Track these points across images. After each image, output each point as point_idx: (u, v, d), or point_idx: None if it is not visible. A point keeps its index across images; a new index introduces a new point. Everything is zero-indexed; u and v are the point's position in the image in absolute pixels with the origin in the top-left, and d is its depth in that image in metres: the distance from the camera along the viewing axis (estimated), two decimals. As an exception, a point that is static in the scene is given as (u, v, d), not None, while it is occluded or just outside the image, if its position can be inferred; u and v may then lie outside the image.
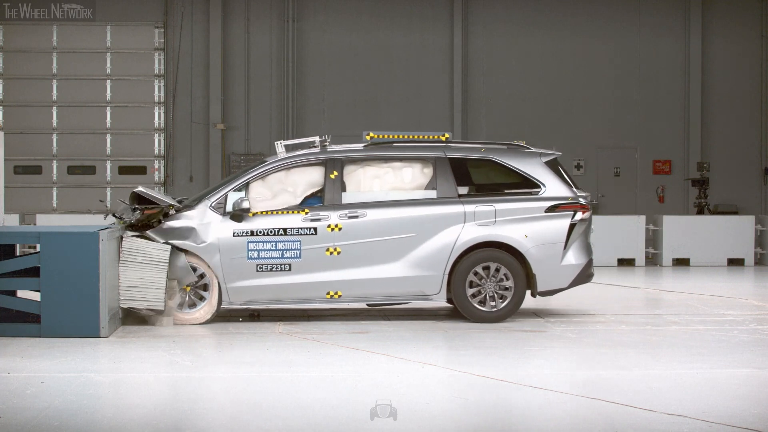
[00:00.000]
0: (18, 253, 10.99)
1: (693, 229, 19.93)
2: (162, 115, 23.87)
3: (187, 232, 10.93)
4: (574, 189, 11.62)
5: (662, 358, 9.10)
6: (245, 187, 11.19)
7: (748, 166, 24.78)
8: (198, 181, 23.54)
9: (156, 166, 23.94)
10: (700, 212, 22.39)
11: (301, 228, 11.02)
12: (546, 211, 11.37)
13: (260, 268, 10.97)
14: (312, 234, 11.03)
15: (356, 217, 11.10)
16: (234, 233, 10.95)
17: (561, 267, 11.40)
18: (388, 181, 11.41)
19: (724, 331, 10.69)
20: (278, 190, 11.26)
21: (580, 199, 11.53)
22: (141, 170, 23.87)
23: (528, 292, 11.48)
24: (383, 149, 11.54)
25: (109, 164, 23.81)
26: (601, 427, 6.61)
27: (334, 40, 24.19)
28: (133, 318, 11.00)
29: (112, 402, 7.47)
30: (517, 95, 24.52)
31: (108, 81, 23.74)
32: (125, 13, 23.78)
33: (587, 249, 11.71)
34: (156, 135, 23.94)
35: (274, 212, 11.07)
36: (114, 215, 11.60)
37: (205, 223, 10.98)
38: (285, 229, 10.99)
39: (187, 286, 10.93)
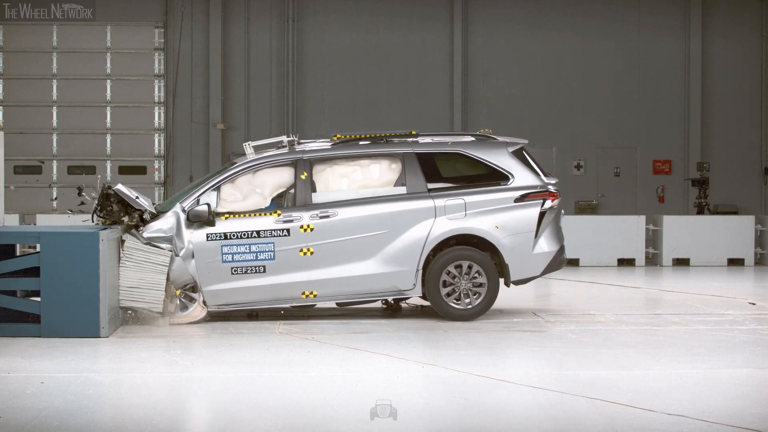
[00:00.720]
0: (18, 253, 10.99)
1: (693, 229, 19.92)
2: (162, 115, 23.87)
3: (164, 239, 10.95)
4: (543, 177, 11.70)
5: (662, 358, 9.10)
6: (216, 190, 11.20)
7: (748, 166, 24.77)
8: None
9: (156, 166, 23.94)
10: (700, 212, 22.39)
11: (274, 230, 11.07)
12: (515, 201, 11.46)
13: (235, 270, 11.00)
14: (285, 235, 11.07)
15: (327, 216, 11.17)
16: (208, 237, 10.98)
17: (533, 255, 11.46)
18: (357, 179, 11.47)
19: (724, 331, 10.69)
20: (248, 192, 11.28)
21: (549, 187, 11.61)
22: (141, 170, 23.87)
23: (501, 282, 11.60)
24: (351, 147, 11.58)
25: (109, 164, 23.80)
26: (601, 427, 6.61)
27: (334, 40, 24.19)
28: (135, 318, 11.00)
29: (112, 402, 7.47)
30: (517, 95, 24.51)
31: (108, 81, 23.74)
32: (125, 13, 23.77)
33: (558, 236, 11.73)
34: (156, 135, 23.94)
35: (246, 215, 11.10)
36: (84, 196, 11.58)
37: (179, 228, 10.97)
38: (258, 232, 11.04)
39: (177, 288, 10.99)
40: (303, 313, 12.00)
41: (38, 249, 10.17)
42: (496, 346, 9.80)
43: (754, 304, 11.61)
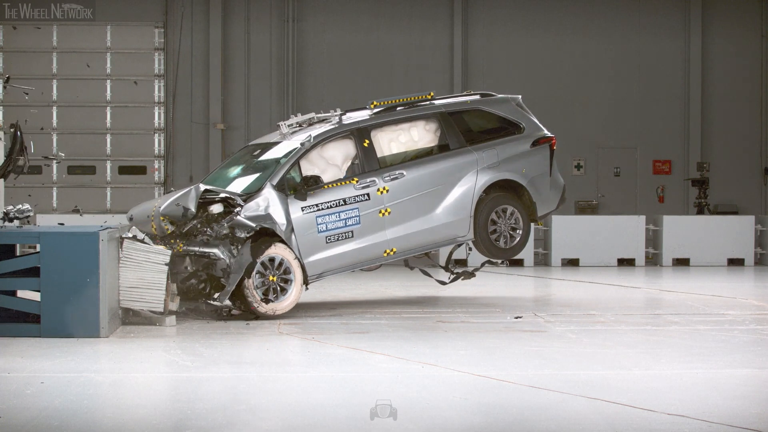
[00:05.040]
0: (18, 253, 10.99)
1: (693, 229, 19.93)
2: (162, 115, 23.87)
3: (265, 218, 11.37)
4: (539, 124, 13.23)
5: (662, 358, 9.10)
6: (296, 165, 11.71)
7: (748, 166, 24.77)
8: (198, 181, 23.52)
9: (156, 166, 23.93)
10: (700, 212, 22.39)
11: (357, 195, 11.84)
12: (531, 146, 12.94)
13: (329, 239, 11.70)
14: (366, 200, 11.87)
15: (397, 178, 12.04)
16: (303, 210, 11.57)
17: (550, 192, 13.02)
18: (408, 141, 12.35)
19: (724, 331, 10.69)
20: (324, 164, 11.87)
21: (547, 133, 13.25)
22: (141, 170, 23.86)
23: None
24: (392, 112, 12.40)
25: (109, 164, 23.80)
26: (601, 427, 6.61)
27: (334, 40, 24.18)
28: (135, 318, 10.98)
29: (112, 402, 7.47)
30: (516, 95, 24.46)
31: (108, 81, 23.74)
32: (125, 13, 23.76)
33: (559, 176, 13.26)
34: (156, 135, 23.94)
35: (328, 185, 11.75)
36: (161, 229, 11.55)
37: (275, 206, 11.45)
38: (344, 199, 11.76)
39: (273, 276, 11.32)
40: (303, 313, 12.00)
41: (38, 249, 10.17)
42: (496, 346, 9.80)
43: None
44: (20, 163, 11.06)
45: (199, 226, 11.30)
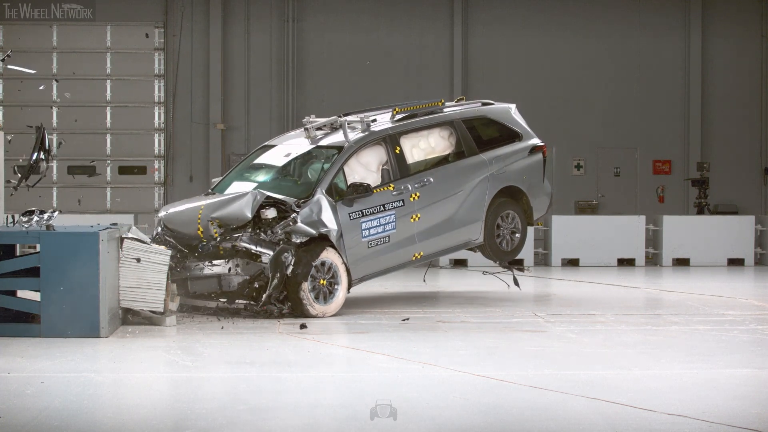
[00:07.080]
0: (18, 253, 10.99)
1: (693, 229, 19.92)
2: (162, 115, 23.86)
3: (318, 224, 11.47)
4: (532, 132, 13.67)
5: (662, 358, 9.10)
6: (341, 172, 11.87)
7: (748, 166, 24.76)
8: (198, 181, 23.53)
9: (156, 166, 23.93)
10: (700, 212, 22.39)
11: (394, 201, 12.05)
12: (528, 154, 13.38)
13: (371, 244, 11.92)
14: (401, 205, 12.14)
15: (425, 184, 12.34)
16: (350, 216, 11.73)
17: (543, 197, 13.56)
18: (428, 148, 12.63)
19: (724, 331, 10.69)
20: (362, 171, 12.06)
21: (538, 141, 13.63)
22: (141, 170, 23.85)
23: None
24: (417, 120, 12.69)
25: (109, 164, 23.80)
26: (601, 427, 6.61)
27: (334, 40, 24.17)
28: (135, 318, 10.98)
29: (112, 402, 7.47)
30: (516, 95, 24.35)
31: (108, 81, 23.73)
32: (125, 13, 23.75)
33: (548, 183, 13.77)
34: (156, 135, 23.94)
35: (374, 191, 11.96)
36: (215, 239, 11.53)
37: (327, 212, 11.57)
38: (383, 205, 11.97)
39: (323, 279, 11.47)
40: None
41: (38, 249, 10.17)
42: (496, 346, 9.80)
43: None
44: (42, 165, 11.07)
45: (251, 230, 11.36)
